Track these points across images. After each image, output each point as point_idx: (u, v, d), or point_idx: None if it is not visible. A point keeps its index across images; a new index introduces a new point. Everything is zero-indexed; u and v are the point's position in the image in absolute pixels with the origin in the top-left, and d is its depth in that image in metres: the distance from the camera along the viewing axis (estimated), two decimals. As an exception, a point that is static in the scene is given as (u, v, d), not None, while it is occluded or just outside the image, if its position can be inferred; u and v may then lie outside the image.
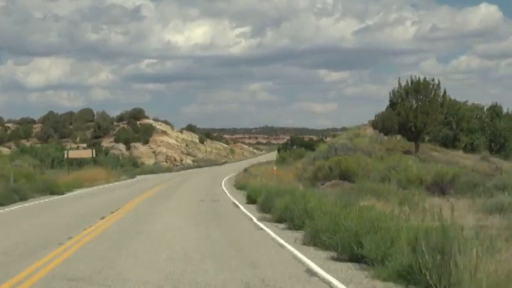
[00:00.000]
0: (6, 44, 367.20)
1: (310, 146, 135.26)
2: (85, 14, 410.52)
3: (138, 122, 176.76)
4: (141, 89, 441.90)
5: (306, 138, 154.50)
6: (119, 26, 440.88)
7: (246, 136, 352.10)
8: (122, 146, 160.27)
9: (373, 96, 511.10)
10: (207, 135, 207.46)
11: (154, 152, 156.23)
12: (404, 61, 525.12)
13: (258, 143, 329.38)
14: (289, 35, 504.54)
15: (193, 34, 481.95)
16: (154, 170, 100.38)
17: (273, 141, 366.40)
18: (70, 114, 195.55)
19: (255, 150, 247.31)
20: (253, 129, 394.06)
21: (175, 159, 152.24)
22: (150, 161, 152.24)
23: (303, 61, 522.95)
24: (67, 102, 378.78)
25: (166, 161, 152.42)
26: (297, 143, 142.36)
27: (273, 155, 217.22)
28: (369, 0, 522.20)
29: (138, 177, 78.50)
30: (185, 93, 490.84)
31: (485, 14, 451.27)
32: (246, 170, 76.49)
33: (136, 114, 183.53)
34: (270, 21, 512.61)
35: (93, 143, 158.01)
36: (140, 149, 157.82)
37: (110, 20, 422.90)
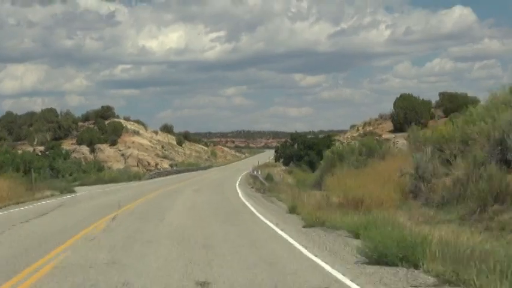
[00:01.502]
0: None
1: (316, 146, 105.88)
2: (59, 20, 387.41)
3: (106, 122, 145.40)
4: (116, 95, 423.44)
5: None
6: (93, 32, 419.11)
7: (223, 140, 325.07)
8: (85, 149, 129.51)
9: (348, 100, 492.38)
10: (185, 136, 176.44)
11: (123, 154, 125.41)
12: (378, 64, 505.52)
13: (237, 147, 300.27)
14: (264, 39, 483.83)
15: (168, 39, 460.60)
16: (118, 177, 69.21)
17: (252, 145, 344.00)
18: (31, 114, 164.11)
19: (237, 153, 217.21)
20: (229, 133, 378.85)
21: (148, 163, 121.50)
22: (118, 166, 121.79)
23: (278, 65, 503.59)
24: (42, 109, 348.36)
25: (137, 165, 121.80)
26: (299, 142, 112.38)
27: (261, 158, 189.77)
28: (343, 4, 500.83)
29: (83, 192, 47.12)
30: (160, 98, 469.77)
31: (459, 16, 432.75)
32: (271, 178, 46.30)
33: (104, 113, 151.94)
34: (245, 26, 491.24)
35: (52, 145, 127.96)
36: (107, 152, 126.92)
37: (84, 25, 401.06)
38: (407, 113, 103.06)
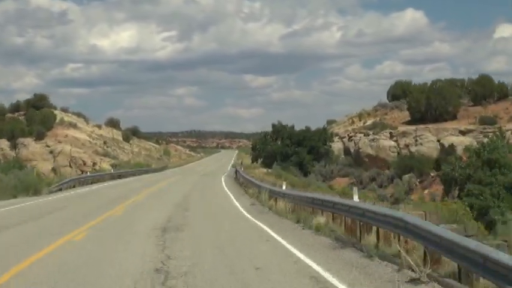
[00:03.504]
0: None
1: (307, 142, 75.15)
2: (10, 17, 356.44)
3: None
4: (66, 94, 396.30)
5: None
6: (45, 30, 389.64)
7: (174, 140, 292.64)
8: (5, 143, 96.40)
9: (298, 101, 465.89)
10: (133, 132, 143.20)
11: (52, 151, 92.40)
12: (330, 66, 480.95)
13: (188, 147, 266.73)
14: (215, 40, 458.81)
15: (119, 38, 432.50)
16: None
17: (204, 145, 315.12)
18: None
19: (192, 153, 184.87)
20: (179, 133, 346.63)
21: (84, 163, 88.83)
22: (46, 165, 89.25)
23: (229, 66, 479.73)
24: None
25: (70, 165, 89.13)
26: (285, 136, 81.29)
27: (221, 158, 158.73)
28: (296, 5, 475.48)
29: None
30: (111, 98, 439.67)
31: (411, 19, 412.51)
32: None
33: (36, 102, 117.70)
34: (197, 26, 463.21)
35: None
36: (31, 147, 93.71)
37: (36, 23, 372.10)
38: (432, 101, 72.12)
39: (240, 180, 51.02)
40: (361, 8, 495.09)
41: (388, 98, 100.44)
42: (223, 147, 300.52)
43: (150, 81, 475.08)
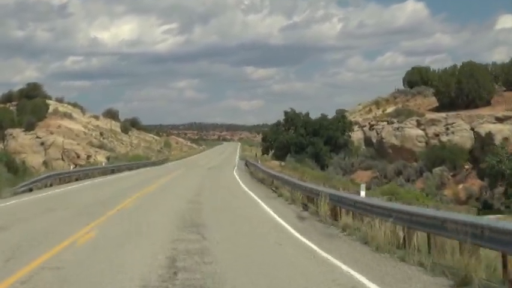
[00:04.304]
0: None
1: (324, 131, 66.80)
2: (10, 10, 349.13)
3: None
4: (67, 86, 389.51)
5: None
6: (45, 23, 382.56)
7: (175, 132, 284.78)
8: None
9: (299, 93, 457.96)
10: (132, 124, 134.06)
11: (43, 143, 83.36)
12: (331, 58, 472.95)
13: (189, 139, 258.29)
14: (216, 32, 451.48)
15: (120, 31, 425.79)
16: None
17: (205, 137, 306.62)
18: None
19: (194, 145, 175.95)
20: (180, 125, 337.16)
21: (77, 156, 79.84)
22: (36, 158, 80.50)
23: (230, 58, 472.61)
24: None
25: (62, 158, 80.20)
26: (299, 125, 72.71)
27: (224, 150, 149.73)
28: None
29: None
30: (111, 91, 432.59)
31: (412, 11, 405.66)
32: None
33: (30, 92, 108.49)
34: (197, 18, 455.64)
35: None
36: (20, 139, 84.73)
37: (36, 16, 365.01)
38: (464, 85, 63.12)
39: (259, 176, 42.11)
40: (362, 0, 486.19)
41: (404, 85, 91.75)
42: (224, 140, 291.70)
43: (150, 74, 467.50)
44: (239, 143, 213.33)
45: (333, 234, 14.99)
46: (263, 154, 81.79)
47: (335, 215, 17.41)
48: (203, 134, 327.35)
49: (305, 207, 21.06)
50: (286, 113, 77.27)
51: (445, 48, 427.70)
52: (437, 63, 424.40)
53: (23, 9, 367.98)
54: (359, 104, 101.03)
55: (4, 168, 32.68)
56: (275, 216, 19.18)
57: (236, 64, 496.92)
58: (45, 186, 34.26)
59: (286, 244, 13.34)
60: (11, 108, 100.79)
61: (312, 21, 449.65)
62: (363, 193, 16.87)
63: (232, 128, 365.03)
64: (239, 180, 40.92)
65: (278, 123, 79.53)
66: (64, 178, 38.83)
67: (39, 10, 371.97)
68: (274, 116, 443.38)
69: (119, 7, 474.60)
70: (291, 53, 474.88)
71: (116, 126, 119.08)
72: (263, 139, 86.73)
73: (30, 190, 31.37)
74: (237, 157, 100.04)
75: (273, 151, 78.51)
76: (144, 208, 21.58)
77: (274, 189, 30.89)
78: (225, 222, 17.50)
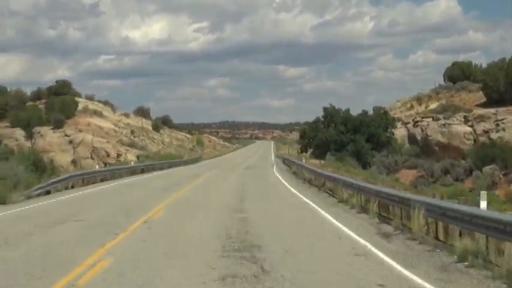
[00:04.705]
0: None
1: (365, 128, 62.17)
2: (42, 9, 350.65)
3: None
4: (99, 85, 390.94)
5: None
6: (77, 22, 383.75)
7: (207, 131, 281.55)
8: (19, 133, 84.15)
9: (331, 91, 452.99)
10: (164, 122, 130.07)
11: (71, 141, 79.70)
12: (362, 56, 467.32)
13: (222, 137, 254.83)
14: (247, 31, 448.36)
15: (151, 29, 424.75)
16: None
17: (237, 136, 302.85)
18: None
19: (227, 143, 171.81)
20: (212, 124, 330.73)
21: (107, 154, 76.02)
22: (65, 157, 77.01)
23: (261, 57, 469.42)
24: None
25: (91, 157, 76.45)
26: (339, 122, 68.21)
27: (257, 148, 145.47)
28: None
29: None
30: (142, 90, 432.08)
31: (444, 8, 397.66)
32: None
33: (59, 89, 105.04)
34: (229, 17, 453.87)
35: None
36: (48, 137, 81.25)
37: (68, 15, 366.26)
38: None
39: (304, 176, 37.48)
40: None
41: (444, 80, 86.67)
42: (257, 138, 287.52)
43: (182, 73, 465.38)
44: (272, 142, 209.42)
45: (448, 266, 10.37)
46: (301, 152, 77.35)
47: (435, 233, 12.77)
48: (235, 133, 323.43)
49: (382, 219, 16.46)
50: (325, 109, 72.60)
51: (478, 45, 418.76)
52: (471, 60, 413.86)
53: (55, 8, 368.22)
54: (398, 101, 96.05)
55: (19, 167, 28.26)
56: (350, 232, 14.62)
57: (267, 62, 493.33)
58: (66, 188, 30.09)
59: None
60: (40, 106, 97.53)
61: (344, 19, 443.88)
62: (483, 204, 12.04)
63: (264, 127, 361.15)
64: (284, 181, 36.40)
65: (317, 120, 74.86)
66: (88, 179, 34.62)
67: (70, 9, 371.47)
68: (306, 114, 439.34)
69: (150, 6, 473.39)
70: (322, 52, 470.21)
71: (147, 124, 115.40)
72: (301, 136, 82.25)
73: (48, 193, 27.27)
74: (273, 156, 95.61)
75: (311, 149, 73.97)
76: (176, 220, 17.24)
77: (329, 192, 26.29)
78: (286, 244, 13.00)
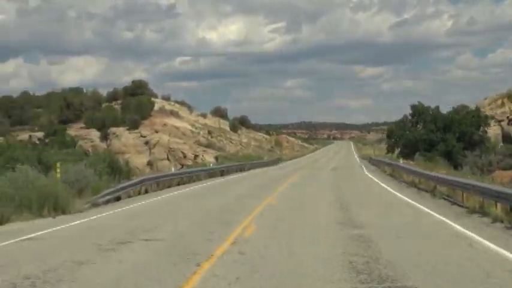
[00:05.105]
0: (40, 44, 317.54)
1: (456, 127, 57.23)
2: (119, 12, 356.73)
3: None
4: (175, 87, 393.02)
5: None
6: (153, 24, 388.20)
7: (284, 131, 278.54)
8: (94, 134, 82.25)
9: (409, 91, 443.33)
10: (241, 122, 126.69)
11: (147, 142, 76.98)
12: (440, 55, 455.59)
13: (300, 138, 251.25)
14: (324, 31, 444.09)
15: (227, 31, 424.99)
16: None
17: (315, 136, 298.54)
18: (48, 96, 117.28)
19: (305, 144, 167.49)
20: (289, 124, 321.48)
21: (184, 155, 72.82)
22: (140, 158, 74.61)
23: (338, 57, 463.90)
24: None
25: (167, 158, 73.55)
26: (428, 120, 63.42)
27: (336, 149, 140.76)
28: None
29: None
30: (219, 91, 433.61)
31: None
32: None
33: (135, 90, 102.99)
34: (305, 17, 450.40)
35: (54, 130, 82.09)
36: (124, 138, 78.83)
37: (145, 17, 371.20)
38: None
39: (407, 180, 32.69)
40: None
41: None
42: (334, 138, 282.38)
43: (258, 74, 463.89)
44: (351, 142, 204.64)
45: None
46: (388, 152, 72.57)
47: None
48: (312, 133, 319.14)
49: None
50: (413, 106, 67.60)
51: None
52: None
53: (132, 11, 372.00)
54: (485, 98, 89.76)
55: (88, 170, 24.66)
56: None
57: (344, 62, 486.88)
58: (138, 193, 26.43)
59: None
60: (116, 106, 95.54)
61: (422, 18, 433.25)
62: None
63: (341, 127, 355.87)
64: (383, 184, 31.78)
65: (404, 119, 69.94)
66: (163, 182, 30.88)
67: (147, 11, 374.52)
68: (384, 114, 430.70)
69: (226, 7, 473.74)
70: (400, 51, 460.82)
71: (224, 124, 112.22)
72: (388, 136, 77.37)
73: (117, 199, 23.63)
74: (357, 156, 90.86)
75: (398, 149, 69.12)
76: (275, 241, 12.99)
77: (448, 199, 21.77)
78: None
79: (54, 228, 15.38)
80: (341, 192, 27.50)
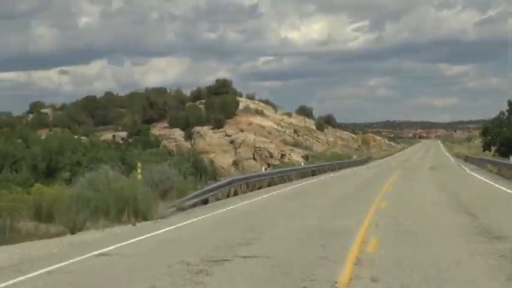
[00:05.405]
0: (123, 46, 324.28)
1: None
2: (202, 13, 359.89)
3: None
4: (259, 87, 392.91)
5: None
6: (236, 24, 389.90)
7: (369, 130, 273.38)
8: (178, 133, 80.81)
9: (496, 90, 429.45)
10: (327, 121, 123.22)
11: (232, 141, 74.89)
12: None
13: (386, 137, 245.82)
14: (407, 29, 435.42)
15: (310, 30, 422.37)
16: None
17: (400, 135, 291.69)
18: (131, 96, 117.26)
19: (392, 143, 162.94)
20: (374, 123, 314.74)
21: (270, 155, 70.37)
22: (225, 158, 72.67)
23: (422, 55, 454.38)
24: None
25: (254, 157, 71.28)
26: None
27: (424, 148, 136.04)
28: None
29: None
30: (302, 90, 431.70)
31: None
32: None
33: (218, 89, 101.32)
34: (388, 15, 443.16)
35: (138, 129, 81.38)
36: (208, 137, 76.98)
37: (227, 18, 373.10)
38: None
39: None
40: None
41: None
42: (420, 138, 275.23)
43: (341, 73, 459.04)
44: (438, 141, 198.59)
45: None
46: (484, 150, 68.24)
47: None
48: (397, 132, 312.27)
49: None
50: (510, 102, 63.32)
51: None
52: None
53: (214, 11, 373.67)
54: None
55: (172, 170, 22.21)
56: None
57: (428, 61, 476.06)
58: (227, 195, 23.86)
59: None
60: (199, 105, 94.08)
61: (508, 14, 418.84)
62: None
63: (426, 126, 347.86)
64: (497, 185, 28.10)
65: (500, 115, 65.56)
66: (253, 183, 28.20)
67: (230, 11, 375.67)
68: (470, 113, 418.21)
69: (309, 6, 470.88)
70: (486, 48, 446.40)
71: (310, 123, 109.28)
72: (483, 133, 72.90)
73: (205, 202, 21.09)
74: (449, 155, 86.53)
75: (494, 147, 64.80)
76: (407, 258, 10.01)
77: None
78: None
79: (133, 240, 12.82)
80: (454, 193, 24.18)
